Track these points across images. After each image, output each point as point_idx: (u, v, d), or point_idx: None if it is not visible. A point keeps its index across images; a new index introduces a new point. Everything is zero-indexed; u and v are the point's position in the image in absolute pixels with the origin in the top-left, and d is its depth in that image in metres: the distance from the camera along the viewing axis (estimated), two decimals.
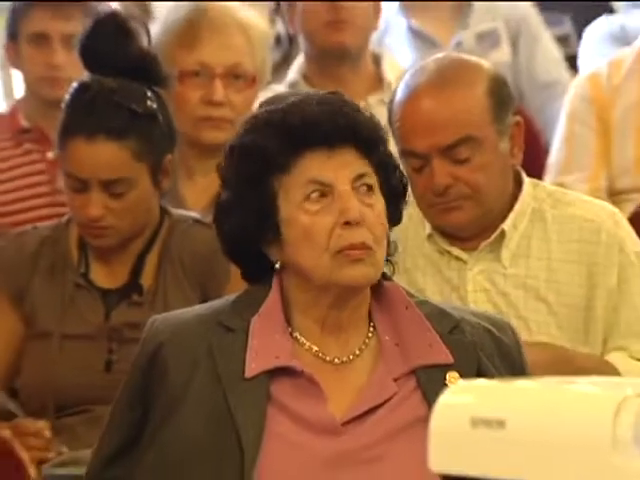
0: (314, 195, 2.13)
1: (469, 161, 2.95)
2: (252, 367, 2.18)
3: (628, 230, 3.14)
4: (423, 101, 3.03)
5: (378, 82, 4.88)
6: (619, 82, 4.41)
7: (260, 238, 2.19)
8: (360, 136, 2.17)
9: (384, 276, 2.25)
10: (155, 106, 3.45)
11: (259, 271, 2.25)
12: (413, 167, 2.92)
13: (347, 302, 2.18)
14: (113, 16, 3.70)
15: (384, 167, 2.23)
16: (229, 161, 2.23)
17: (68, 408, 3.38)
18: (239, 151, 2.21)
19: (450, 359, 2.18)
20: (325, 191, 2.11)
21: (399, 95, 3.03)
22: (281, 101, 2.28)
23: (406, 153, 2.96)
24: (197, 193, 4.20)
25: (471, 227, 3.03)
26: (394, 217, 2.26)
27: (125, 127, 3.32)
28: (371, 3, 4.71)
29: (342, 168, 2.14)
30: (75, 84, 3.61)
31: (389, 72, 4.83)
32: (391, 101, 3.06)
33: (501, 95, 3.05)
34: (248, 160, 2.21)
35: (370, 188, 2.16)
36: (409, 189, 2.37)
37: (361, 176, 2.14)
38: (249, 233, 2.21)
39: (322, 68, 4.68)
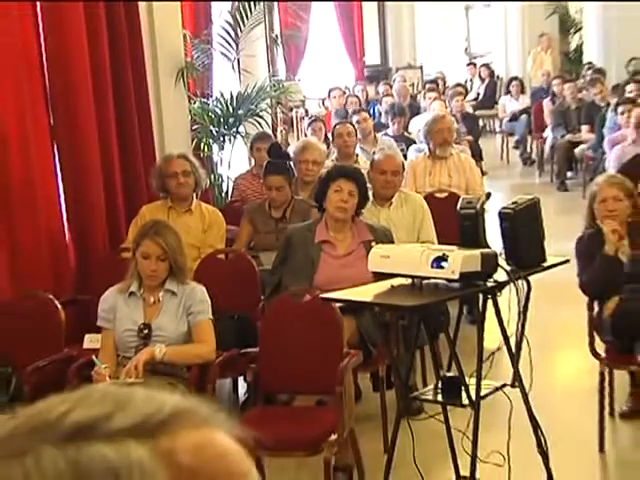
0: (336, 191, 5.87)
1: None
2: (316, 238, 5.91)
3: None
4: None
5: None
6: None
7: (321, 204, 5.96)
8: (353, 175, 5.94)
9: (356, 214, 6.01)
10: None
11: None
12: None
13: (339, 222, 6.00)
14: None
15: (361, 187, 5.95)
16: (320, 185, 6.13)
17: None
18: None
19: (372, 238, 5.87)
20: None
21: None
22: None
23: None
24: None
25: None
26: (361, 205, 5.99)
27: None
28: None
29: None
30: None
31: None
32: None
33: None
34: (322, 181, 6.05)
35: (351, 194, 5.86)
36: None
37: (351, 189, 5.90)
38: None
39: None
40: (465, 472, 4.21)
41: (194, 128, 8.73)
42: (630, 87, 13.88)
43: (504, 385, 4.20)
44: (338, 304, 4.94)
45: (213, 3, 10.69)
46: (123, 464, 0.73)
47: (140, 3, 7.53)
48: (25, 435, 0.76)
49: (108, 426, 0.76)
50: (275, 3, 13.83)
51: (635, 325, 5.32)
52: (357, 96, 16.40)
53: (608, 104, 13.44)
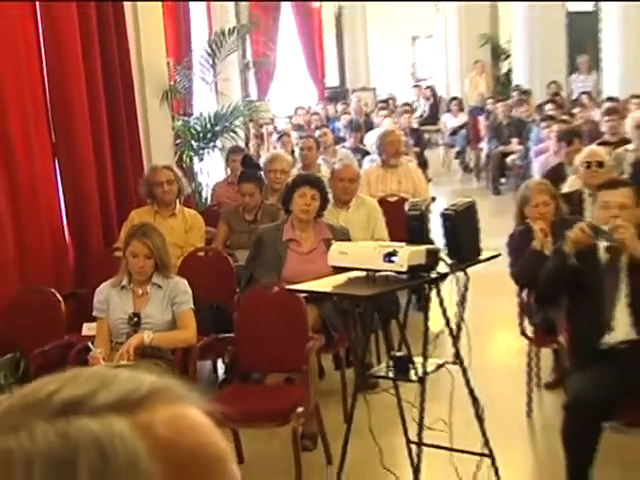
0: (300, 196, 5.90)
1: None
2: (284, 237, 5.92)
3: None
4: None
5: None
6: None
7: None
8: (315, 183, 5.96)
9: (318, 216, 6.03)
10: None
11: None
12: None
13: (303, 223, 6.05)
14: None
15: (322, 192, 5.97)
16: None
17: None
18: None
19: (332, 236, 5.92)
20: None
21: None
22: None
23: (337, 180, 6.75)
24: None
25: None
26: (322, 207, 6.00)
27: None
28: None
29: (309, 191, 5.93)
30: None
31: None
32: None
33: None
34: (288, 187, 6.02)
35: (314, 198, 5.90)
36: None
37: (313, 194, 5.94)
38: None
39: None
40: (413, 437, 4.21)
41: (177, 142, 8.72)
42: (549, 106, 14.02)
43: (447, 362, 4.19)
44: (303, 294, 4.93)
45: (193, 33, 10.65)
46: (106, 436, 0.73)
47: (129, 34, 7.50)
48: (19, 412, 0.76)
49: (93, 402, 0.75)
50: (247, 33, 13.78)
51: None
52: (319, 114, 16.38)
53: (533, 120, 13.52)
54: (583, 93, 16.10)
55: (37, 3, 6.60)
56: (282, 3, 19.06)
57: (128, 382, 0.78)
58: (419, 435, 4.06)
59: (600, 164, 6.70)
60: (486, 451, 4.21)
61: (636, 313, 4.41)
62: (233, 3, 12.82)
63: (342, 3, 18.46)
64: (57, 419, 0.74)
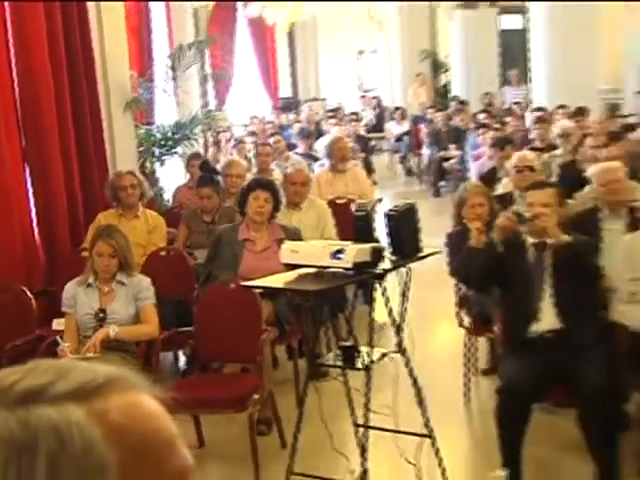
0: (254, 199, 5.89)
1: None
2: (240, 237, 5.90)
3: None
4: None
5: None
6: None
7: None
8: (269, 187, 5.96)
9: (272, 217, 6.04)
10: None
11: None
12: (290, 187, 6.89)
13: (258, 224, 6.05)
14: None
15: (275, 195, 5.95)
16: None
17: None
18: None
19: (284, 236, 5.87)
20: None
21: None
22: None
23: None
24: None
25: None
26: (275, 209, 5.94)
27: None
28: None
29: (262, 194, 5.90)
30: None
31: None
32: None
33: None
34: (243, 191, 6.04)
35: (267, 200, 5.89)
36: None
37: (266, 197, 5.91)
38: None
39: None
40: (361, 421, 4.21)
41: (140, 150, 8.64)
42: (483, 115, 14.14)
43: (391, 352, 4.20)
44: (258, 290, 4.92)
45: (155, 47, 10.55)
46: (64, 423, 0.73)
47: (95, 48, 7.45)
48: None
49: (52, 392, 0.75)
50: (206, 47, 13.71)
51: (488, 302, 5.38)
52: (273, 122, 16.35)
53: (470, 128, 13.62)
54: (514, 103, 16.25)
55: (6, 3, 6.54)
56: (238, 20, 18.98)
57: (85, 372, 0.78)
58: (366, 419, 4.06)
59: (530, 168, 6.75)
60: (427, 432, 4.22)
61: (559, 305, 4.46)
62: (192, 19, 12.74)
63: (294, 20, 18.49)
64: (18, 407, 0.74)
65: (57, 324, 5.62)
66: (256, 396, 4.74)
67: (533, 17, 15.61)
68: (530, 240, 4.59)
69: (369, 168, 12.20)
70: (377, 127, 19.16)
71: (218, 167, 8.20)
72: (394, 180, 15.97)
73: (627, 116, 14.48)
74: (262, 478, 4.64)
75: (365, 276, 4.01)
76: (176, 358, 6.53)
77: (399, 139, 16.94)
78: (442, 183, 14.17)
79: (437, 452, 4.28)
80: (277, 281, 4.11)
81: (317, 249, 4.05)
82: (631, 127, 10.08)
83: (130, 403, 0.77)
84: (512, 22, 18.96)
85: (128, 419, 0.76)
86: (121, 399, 0.77)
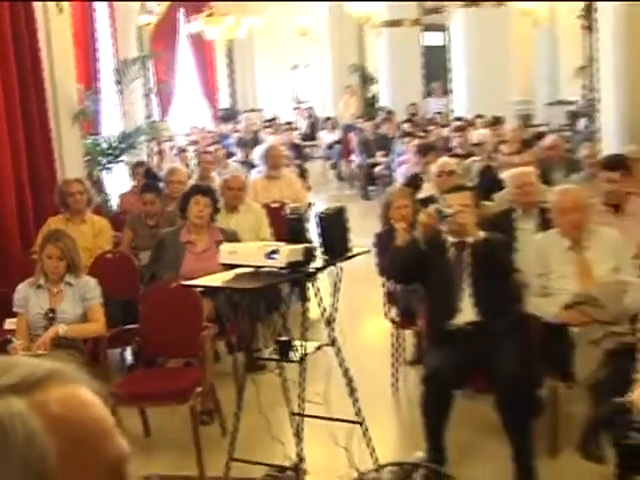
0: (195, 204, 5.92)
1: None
2: (181, 239, 5.99)
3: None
4: None
5: None
6: None
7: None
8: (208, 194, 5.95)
9: (211, 220, 6.06)
10: None
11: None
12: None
13: (198, 227, 6.12)
14: None
15: (214, 200, 5.98)
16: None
17: None
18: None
19: (222, 238, 6.03)
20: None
21: None
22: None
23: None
24: None
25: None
26: (214, 212, 5.94)
27: None
28: None
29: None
30: None
31: None
32: None
33: None
34: (184, 196, 6.11)
35: (206, 205, 5.91)
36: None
37: (206, 202, 5.93)
38: None
39: None
40: (296, 410, 4.20)
41: (87, 158, 8.53)
42: (407, 124, 14.25)
43: (323, 345, 4.19)
44: (198, 289, 4.88)
45: (101, 62, 10.41)
46: (6, 414, 0.72)
47: (44, 62, 7.34)
48: None
49: None
50: (149, 62, 13.58)
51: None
52: (213, 132, 16.25)
53: (396, 136, 13.69)
54: (437, 113, 16.40)
55: None
56: (179, 36, 18.83)
57: (27, 367, 0.77)
58: (301, 408, 4.06)
59: (451, 173, 6.81)
60: (358, 420, 4.22)
61: (477, 299, 4.49)
62: (135, 34, 12.60)
63: (232, 36, 18.42)
64: None
65: (9, 324, 5.47)
66: (198, 389, 4.71)
67: (453, 34, 15.81)
68: (451, 240, 4.61)
69: (303, 174, 12.19)
70: (310, 136, 19.16)
71: (161, 174, 8.11)
72: (327, 185, 15.98)
73: (538, 125, 14.76)
74: (205, 464, 4.60)
75: (298, 275, 3.99)
76: (122, 354, 6.44)
77: (331, 147, 16.96)
78: (371, 187, 14.22)
79: (368, 438, 4.27)
80: (216, 280, 4.08)
81: (253, 250, 4.02)
82: (542, 135, 10.24)
83: (69, 395, 0.77)
84: (434, 39, 19.13)
85: (67, 410, 0.75)
86: (60, 391, 0.76)
